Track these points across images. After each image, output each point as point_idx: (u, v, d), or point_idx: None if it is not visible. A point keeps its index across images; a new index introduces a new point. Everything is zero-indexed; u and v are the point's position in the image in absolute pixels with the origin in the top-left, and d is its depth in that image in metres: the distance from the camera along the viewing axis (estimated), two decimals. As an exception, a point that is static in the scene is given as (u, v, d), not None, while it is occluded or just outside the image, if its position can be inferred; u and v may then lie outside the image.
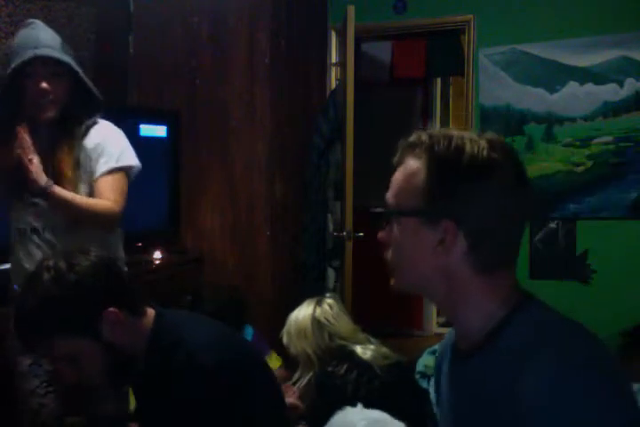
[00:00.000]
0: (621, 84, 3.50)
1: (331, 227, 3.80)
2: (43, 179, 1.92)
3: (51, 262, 1.36)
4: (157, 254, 3.35)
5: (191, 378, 1.36)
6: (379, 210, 1.05)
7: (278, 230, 3.60)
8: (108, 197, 2.03)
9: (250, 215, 3.55)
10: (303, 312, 2.42)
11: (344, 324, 2.41)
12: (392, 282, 1.03)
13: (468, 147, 0.95)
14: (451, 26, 3.92)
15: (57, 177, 2.01)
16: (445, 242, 0.95)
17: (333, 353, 2.32)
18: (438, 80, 5.00)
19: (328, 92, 4.00)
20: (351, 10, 3.46)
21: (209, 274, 3.57)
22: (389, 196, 1.02)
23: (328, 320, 2.38)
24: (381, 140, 4.90)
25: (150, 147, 3.18)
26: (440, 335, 4.79)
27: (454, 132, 0.98)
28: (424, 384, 2.79)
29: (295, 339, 2.38)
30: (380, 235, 1.03)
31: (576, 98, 3.58)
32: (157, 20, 3.66)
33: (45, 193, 1.94)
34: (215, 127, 3.60)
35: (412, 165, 0.99)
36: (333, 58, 4.06)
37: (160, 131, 3.43)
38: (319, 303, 2.44)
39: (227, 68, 3.56)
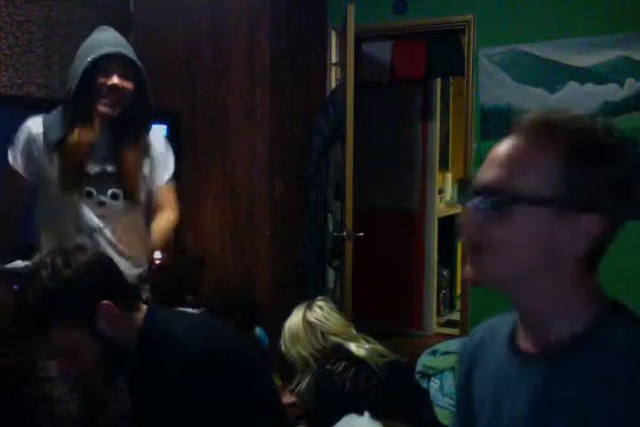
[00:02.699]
0: (621, 84, 3.50)
1: (331, 227, 3.80)
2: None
3: (48, 259, 1.41)
4: (157, 254, 3.34)
5: (177, 367, 1.39)
6: (483, 189, 0.87)
7: (278, 230, 3.60)
8: (171, 204, 2.34)
9: (250, 215, 3.55)
10: (294, 318, 2.46)
11: (335, 321, 2.44)
12: (474, 270, 0.89)
13: (599, 131, 0.85)
14: (451, 26, 3.91)
15: (126, 180, 2.13)
16: (577, 237, 0.84)
17: (329, 353, 2.33)
18: (438, 80, 4.99)
19: (328, 92, 4.00)
20: (351, 10, 3.46)
21: (209, 274, 3.57)
22: (503, 174, 0.86)
23: (319, 320, 2.41)
24: (381, 140, 4.95)
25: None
26: (440, 335, 4.79)
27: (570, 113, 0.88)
28: (424, 384, 2.80)
29: (290, 344, 2.42)
30: (474, 217, 0.87)
31: (576, 98, 3.57)
32: (157, 20, 3.66)
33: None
34: (215, 127, 3.60)
35: (542, 143, 0.85)
36: (333, 58, 4.06)
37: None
38: (309, 306, 2.47)
39: (227, 68, 3.56)
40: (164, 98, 3.62)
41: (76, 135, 2.07)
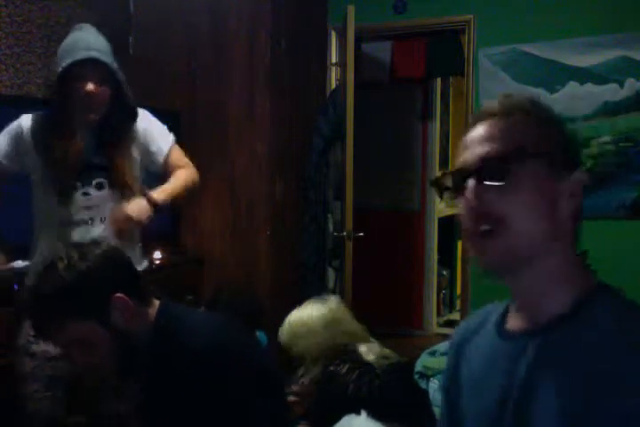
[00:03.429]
0: (621, 84, 3.50)
1: (331, 227, 3.81)
2: (143, 203, 2.06)
3: (64, 253, 1.44)
4: (157, 254, 3.35)
5: (186, 364, 1.41)
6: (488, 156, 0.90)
7: (278, 230, 3.60)
8: (185, 164, 2.30)
9: (250, 215, 3.55)
10: (309, 312, 2.43)
11: (354, 323, 2.44)
12: (484, 254, 0.90)
13: (544, 106, 0.98)
14: (451, 26, 3.92)
15: (118, 182, 2.12)
16: (574, 196, 0.90)
17: (339, 352, 2.32)
18: (438, 80, 5.00)
19: (328, 92, 4.00)
20: (351, 10, 3.47)
21: (209, 274, 3.57)
22: (496, 145, 0.89)
23: (340, 319, 2.41)
24: (381, 140, 4.95)
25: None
26: (440, 335, 4.79)
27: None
28: (423, 385, 2.80)
29: (302, 338, 2.39)
30: (479, 194, 0.88)
31: (576, 98, 3.57)
32: (157, 20, 3.66)
33: (157, 205, 2.09)
34: (215, 127, 3.60)
35: (515, 117, 0.92)
36: (333, 58, 4.06)
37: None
38: (327, 303, 2.46)
39: (227, 68, 3.56)
40: (163, 98, 3.62)
41: (63, 144, 2.06)
